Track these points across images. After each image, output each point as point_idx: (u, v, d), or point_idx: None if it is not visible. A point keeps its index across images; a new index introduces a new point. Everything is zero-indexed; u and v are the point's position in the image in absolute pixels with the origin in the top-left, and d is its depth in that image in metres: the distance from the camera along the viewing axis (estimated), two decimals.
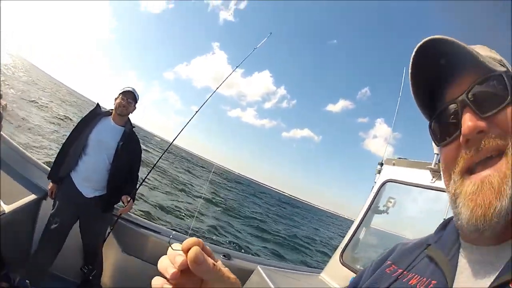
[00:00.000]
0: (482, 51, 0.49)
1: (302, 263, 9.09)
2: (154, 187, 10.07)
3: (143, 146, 2.44)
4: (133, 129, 2.18)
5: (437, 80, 0.50)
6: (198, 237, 0.37)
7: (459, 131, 0.46)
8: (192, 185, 14.95)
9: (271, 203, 28.26)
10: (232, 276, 0.39)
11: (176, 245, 0.38)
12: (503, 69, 0.47)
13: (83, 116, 2.16)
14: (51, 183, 2.14)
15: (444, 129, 0.50)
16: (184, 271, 0.35)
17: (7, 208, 1.83)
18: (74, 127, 2.14)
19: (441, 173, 0.53)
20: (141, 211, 6.74)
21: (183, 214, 8.59)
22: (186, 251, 0.35)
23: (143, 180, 2.25)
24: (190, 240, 0.36)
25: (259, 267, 1.90)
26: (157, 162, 2.47)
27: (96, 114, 2.15)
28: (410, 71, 0.49)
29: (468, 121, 0.44)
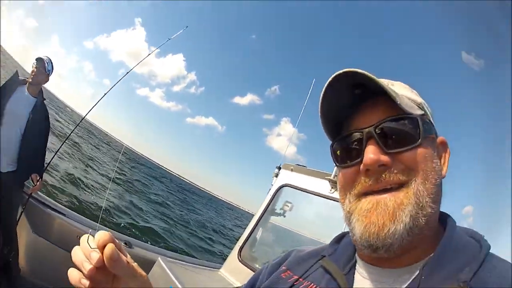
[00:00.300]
0: (403, 91, 0.52)
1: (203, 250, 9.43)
2: (64, 159, 9.51)
3: (56, 116, 2.35)
4: (45, 101, 2.07)
5: (346, 108, 0.52)
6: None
7: (361, 159, 0.47)
8: (99, 163, 14.38)
9: (172, 189, 27.40)
10: (143, 273, 0.42)
11: (86, 237, 0.40)
12: (420, 112, 0.49)
13: (2, 84, 2.04)
14: None
15: (346, 152, 0.51)
16: (99, 266, 0.37)
17: None
18: None
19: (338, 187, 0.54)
20: (50, 185, 6.46)
21: (91, 190, 8.37)
22: (101, 247, 0.37)
23: (55, 153, 2.25)
24: (104, 235, 0.38)
25: (160, 259, 1.86)
26: (69, 136, 2.66)
27: (13, 82, 2.06)
28: (322, 94, 0.50)
29: (370, 153, 0.45)
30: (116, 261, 0.37)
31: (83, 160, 12.56)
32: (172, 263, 1.94)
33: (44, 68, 2.02)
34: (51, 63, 2.07)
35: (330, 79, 0.48)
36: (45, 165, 2.14)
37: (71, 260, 0.39)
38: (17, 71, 2.12)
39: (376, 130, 0.47)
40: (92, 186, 9.04)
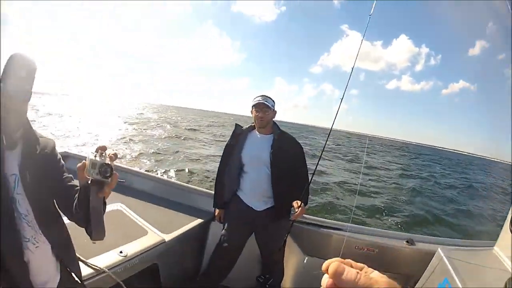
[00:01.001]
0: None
1: None
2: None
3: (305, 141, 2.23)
4: (281, 131, 2.07)
5: None
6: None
7: None
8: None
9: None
10: (385, 280, 0.35)
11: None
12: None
13: (227, 141, 2.13)
14: (217, 210, 2.18)
15: None
16: None
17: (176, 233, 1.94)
18: (222, 154, 2.15)
19: None
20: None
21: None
22: (326, 270, 0.36)
23: (312, 176, 2.07)
24: (329, 261, 0.36)
25: (439, 249, 1.81)
26: (322, 152, 2.28)
27: (238, 134, 2.10)
28: None
29: None
30: (341, 275, 0.34)
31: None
32: (450, 251, 1.83)
33: (268, 107, 2.01)
34: (269, 99, 2.04)
35: None
36: (307, 187, 2.02)
37: None
38: (236, 124, 2.17)
39: None
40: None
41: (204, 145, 15.13)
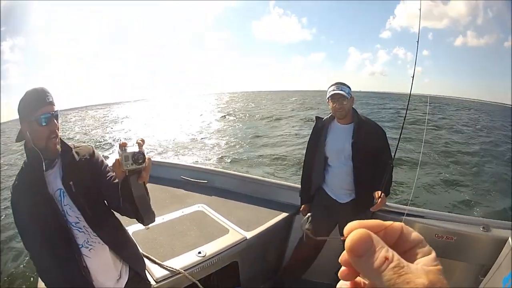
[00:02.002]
0: None
1: None
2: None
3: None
4: (361, 119, 1.99)
5: None
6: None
7: None
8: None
9: None
10: (424, 281, 0.21)
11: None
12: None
13: (310, 135, 2.13)
14: (303, 205, 2.19)
15: None
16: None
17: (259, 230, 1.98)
18: (306, 149, 2.16)
19: None
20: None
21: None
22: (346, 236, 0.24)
23: (392, 163, 1.89)
24: (352, 224, 0.25)
25: (510, 239, 1.69)
26: (400, 136, 1.90)
27: (319, 127, 2.09)
28: None
29: None
30: (360, 256, 0.23)
31: None
32: None
33: (345, 98, 1.94)
34: (347, 87, 1.98)
35: None
36: (390, 176, 1.93)
37: None
38: (316, 117, 2.14)
39: None
40: None
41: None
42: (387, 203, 2.05)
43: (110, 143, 12.81)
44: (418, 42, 1.80)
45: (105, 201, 1.13)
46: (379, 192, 1.84)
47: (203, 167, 3.16)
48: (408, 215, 2.13)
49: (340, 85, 1.94)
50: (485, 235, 1.92)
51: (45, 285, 1.08)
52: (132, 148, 0.88)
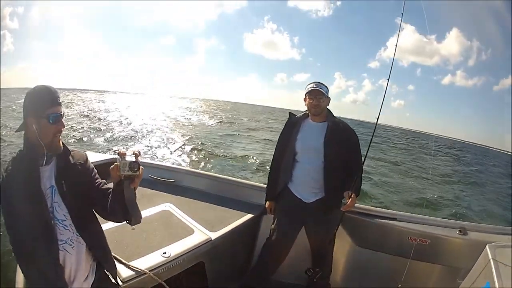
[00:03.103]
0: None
1: None
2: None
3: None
4: (336, 119, 2.01)
5: None
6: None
7: None
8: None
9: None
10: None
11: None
12: None
13: (281, 130, 2.11)
14: (268, 202, 2.16)
15: None
16: None
17: (225, 230, 1.99)
18: (277, 143, 2.13)
19: None
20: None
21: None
22: None
23: (361, 166, 1.96)
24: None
25: (487, 247, 1.61)
26: (370, 145, 2.06)
27: (292, 123, 2.08)
28: None
29: None
30: None
31: None
32: (501, 252, 1.61)
33: (323, 94, 1.96)
34: (323, 86, 2.00)
35: None
36: (360, 177, 1.96)
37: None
38: (290, 113, 2.15)
39: None
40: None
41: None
42: (358, 204, 2.08)
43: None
44: (390, 73, 1.97)
45: (93, 206, 1.21)
46: (350, 192, 1.85)
47: (171, 165, 3.09)
48: (379, 217, 2.15)
49: (319, 83, 1.96)
50: (462, 239, 1.92)
51: (20, 267, 1.13)
52: (130, 157, 1.05)
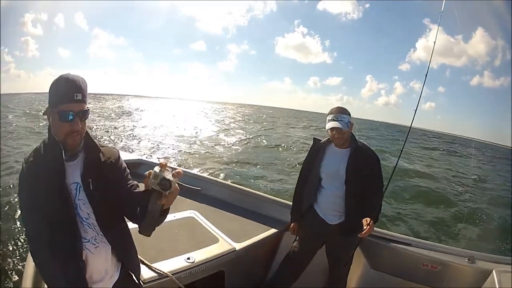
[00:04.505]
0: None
1: None
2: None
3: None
4: (358, 145, 2.03)
5: None
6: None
7: None
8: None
9: None
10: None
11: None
12: None
13: (306, 155, 2.18)
14: (292, 223, 2.20)
15: None
16: None
17: (249, 242, 2.02)
18: (301, 168, 2.20)
19: None
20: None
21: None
22: None
23: (383, 193, 1.99)
24: None
25: (494, 273, 1.74)
26: (394, 169, 2.07)
27: (316, 149, 2.12)
28: None
29: None
30: None
31: None
32: (505, 276, 1.74)
33: (345, 127, 1.94)
34: (346, 115, 1.97)
35: None
36: (379, 206, 2.00)
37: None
38: (314, 138, 2.18)
39: None
40: None
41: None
42: (375, 228, 2.06)
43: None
44: (425, 79, 1.99)
45: (121, 207, 1.13)
46: (368, 219, 1.86)
47: (199, 174, 3.18)
48: (394, 241, 2.19)
49: (339, 115, 1.93)
50: (470, 267, 1.96)
51: (37, 266, 1.09)
52: (168, 173, 0.90)
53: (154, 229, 1.04)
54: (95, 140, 1.11)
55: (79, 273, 1.03)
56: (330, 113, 1.99)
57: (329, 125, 1.96)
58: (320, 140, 2.14)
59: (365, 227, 1.85)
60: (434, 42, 2.02)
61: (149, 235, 1.05)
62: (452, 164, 15.03)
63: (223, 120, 28.77)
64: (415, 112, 1.96)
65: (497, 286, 1.68)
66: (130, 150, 9.98)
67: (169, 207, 0.99)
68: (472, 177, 11.71)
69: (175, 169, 0.98)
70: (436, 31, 2.02)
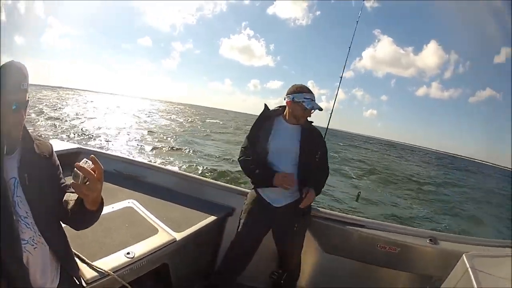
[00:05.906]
0: None
1: None
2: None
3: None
4: (310, 123, 2.00)
5: None
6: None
7: None
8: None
9: None
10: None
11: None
12: None
13: (254, 122, 2.01)
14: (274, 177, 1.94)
15: None
16: None
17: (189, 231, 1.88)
18: (248, 134, 2.04)
19: None
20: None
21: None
22: None
23: (328, 171, 2.05)
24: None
25: (464, 257, 1.67)
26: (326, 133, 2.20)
27: (266, 116, 2.00)
28: None
29: None
30: None
31: None
32: (479, 261, 1.67)
33: (310, 97, 1.94)
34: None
35: None
36: (324, 179, 2.05)
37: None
38: (265, 105, 2.05)
39: None
40: None
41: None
42: (326, 210, 2.13)
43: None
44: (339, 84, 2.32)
45: (54, 206, 1.08)
46: (307, 188, 1.83)
47: (137, 160, 2.95)
48: (347, 223, 2.14)
49: (313, 95, 1.91)
50: (432, 247, 1.93)
51: None
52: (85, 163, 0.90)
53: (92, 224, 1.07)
54: (30, 133, 1.05)
55: (23, 277, 0.94)
56: (302, 91, 1.91)
57: (311, 104, 1.89)
58: (270, 109, 2.04)
59: (303, 196, 1.82)
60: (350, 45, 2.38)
61: (85, 228, 1.10)
62: (383, 158, 18.72)
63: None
64: (331, 115, 2.29)
65: (468, 266, 1.61)
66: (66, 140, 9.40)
67: (102, 201, 1.01)
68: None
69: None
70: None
